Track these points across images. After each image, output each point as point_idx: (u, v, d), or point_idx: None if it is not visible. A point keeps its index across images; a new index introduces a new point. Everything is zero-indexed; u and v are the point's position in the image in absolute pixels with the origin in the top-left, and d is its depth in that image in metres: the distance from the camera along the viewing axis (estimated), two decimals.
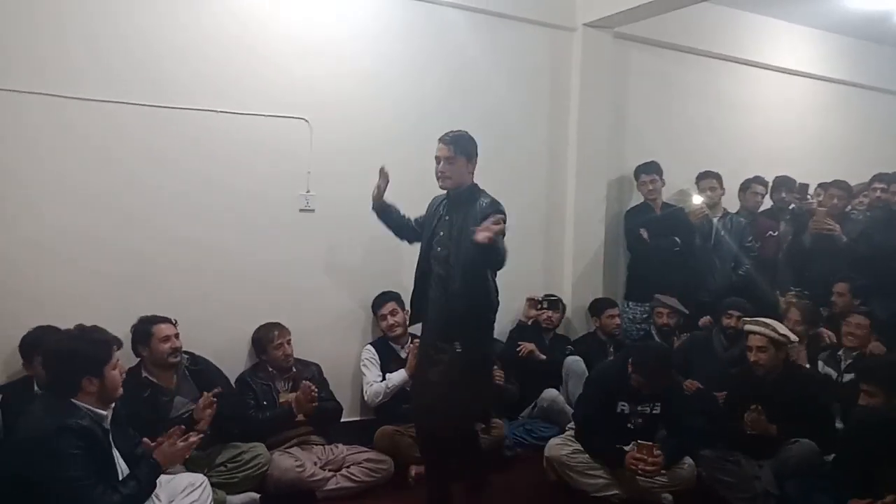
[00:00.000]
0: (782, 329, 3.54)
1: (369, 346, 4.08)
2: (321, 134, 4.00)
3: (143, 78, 3.60)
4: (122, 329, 3.10)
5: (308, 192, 3.98)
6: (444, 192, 3.18)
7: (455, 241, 3.02)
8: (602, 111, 5.01)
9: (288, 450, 3.52)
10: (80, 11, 3.46)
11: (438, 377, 3.02)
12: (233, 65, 3.81)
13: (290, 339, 3.78)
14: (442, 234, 3.10)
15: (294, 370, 3.77)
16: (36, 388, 3.00)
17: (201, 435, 2.85)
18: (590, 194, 4.99)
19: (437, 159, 3.10)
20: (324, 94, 4.05)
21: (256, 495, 3.27)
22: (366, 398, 3.99)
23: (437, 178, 3.11)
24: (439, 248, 3.09)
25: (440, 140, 3.11)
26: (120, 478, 2.44)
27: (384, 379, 3.92)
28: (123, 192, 3.59)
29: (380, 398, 3.88)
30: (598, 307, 4.75)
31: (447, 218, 3.11)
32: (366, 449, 3.71)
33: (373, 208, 3.52)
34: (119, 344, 2.60)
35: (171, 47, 3.66)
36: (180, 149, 3.71)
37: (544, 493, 3.60)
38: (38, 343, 2.99)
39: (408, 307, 3.45)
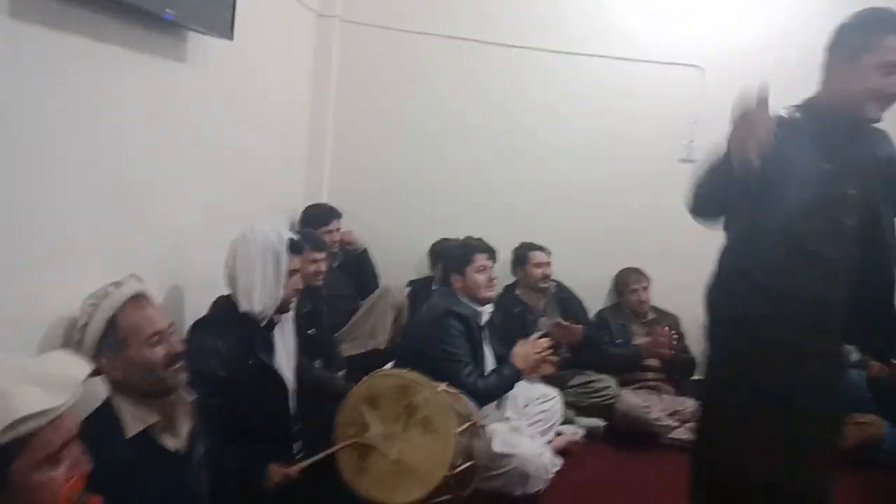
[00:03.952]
0: None
1: None
2: (714, 82, 3.86)
3: (543, 23, 3.93)
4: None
5: (692, 141, 3.90)
6: (809, 114, 1.89)
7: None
8: None
9: (637, 390, 3.60)
10: None
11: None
12: (627, 11, 3.94)
13: (646, 286, 3.84)
14: (854, 192, 1.84)
15: (651, 317, 3.82)
16: (433, 284, 3.58)
17: (557, 359, 3.09)
18: None
19: None
20: (718, 43, 3.92)
21: (602, 423, 3.42)
22: None
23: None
24: (847, 220, 1.84)
25: None
26: (486, 371, 2.79)
27: None
28: (515, 135, 4.03)
29: None
30: None
31: (855, 161, 1.84)
32: None
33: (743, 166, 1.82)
34: (490, 254, 2.91)
35: None
36: (572, 94, 3.98)
37: None
38: (439, 249, 3.63)
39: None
